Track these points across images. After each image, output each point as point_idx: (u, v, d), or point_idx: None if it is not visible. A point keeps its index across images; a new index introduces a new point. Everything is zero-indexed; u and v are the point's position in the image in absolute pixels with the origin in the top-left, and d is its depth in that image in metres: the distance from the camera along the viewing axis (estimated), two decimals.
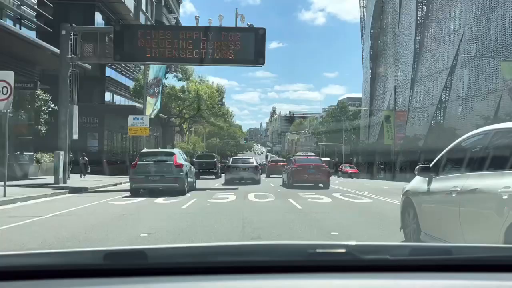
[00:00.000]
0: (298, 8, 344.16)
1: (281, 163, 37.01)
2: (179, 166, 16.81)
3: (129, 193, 16.41)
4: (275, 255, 1.77)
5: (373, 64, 68.74)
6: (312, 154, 36.27)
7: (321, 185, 22.20)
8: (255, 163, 25.99)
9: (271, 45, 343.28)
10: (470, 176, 5.07)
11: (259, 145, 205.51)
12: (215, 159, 35.58)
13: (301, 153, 38.26)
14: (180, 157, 17.80)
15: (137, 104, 37.83)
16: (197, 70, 46.32)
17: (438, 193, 5.76)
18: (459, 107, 43.56)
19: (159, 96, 35.30)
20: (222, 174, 30.98)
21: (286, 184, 22.96)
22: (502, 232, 4.19)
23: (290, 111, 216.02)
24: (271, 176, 35.98)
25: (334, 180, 30.59)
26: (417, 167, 6.38)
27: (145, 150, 21.08)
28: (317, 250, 1.74)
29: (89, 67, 25.95)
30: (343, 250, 1.74)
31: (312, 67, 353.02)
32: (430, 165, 6.20)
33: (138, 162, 16.98)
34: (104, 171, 31.38)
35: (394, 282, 1.61)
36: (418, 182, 6.50)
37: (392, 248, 1.96)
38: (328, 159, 58.26)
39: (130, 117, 29.74)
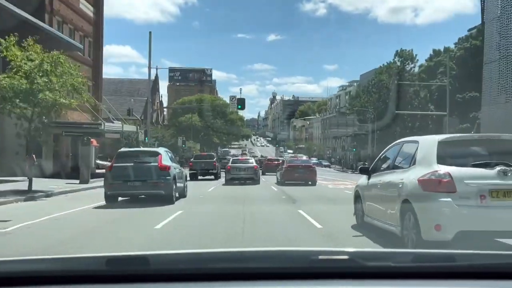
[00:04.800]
0: None
1: (276, 162, 39.79)
2: (165, 168, 14.34)
3: (103, 202, 14.09)
4: (277, 261, 1.73)
5: None
6: (302, 155, 40.86)
7: (310, 182, 25.27)
8: (254, 164, 27.48)
9: (269, 38, 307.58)
10: (388, 173, 7.90)
11: (259, 137, 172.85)
12: (214, 159, 33.99)
13: (292, 155, 41.00)
14: (167, 158, 15.31)
15: None
16: None
17: (371, 186, 8.53)
18: None
19: None
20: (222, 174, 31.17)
21: (279, 182, 26.14)
22: (398, 208, 6.91)
23: (293, 95, 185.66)
24: (266, 173, 38.14)
25: None
26: (359, 167, 10.27)
27: (122, 149, 17.13)
28: (320, 257, 1.71)
29: None
30: (346, 257, 1.71)
31: (311, 60, 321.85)
32: (370, 167, 9.06)
33: (114, 164, 14.65)
34: None
35: None
36: (364, 179, 9.15)
37: (395, 254, 1.94)
38: None
39: None
